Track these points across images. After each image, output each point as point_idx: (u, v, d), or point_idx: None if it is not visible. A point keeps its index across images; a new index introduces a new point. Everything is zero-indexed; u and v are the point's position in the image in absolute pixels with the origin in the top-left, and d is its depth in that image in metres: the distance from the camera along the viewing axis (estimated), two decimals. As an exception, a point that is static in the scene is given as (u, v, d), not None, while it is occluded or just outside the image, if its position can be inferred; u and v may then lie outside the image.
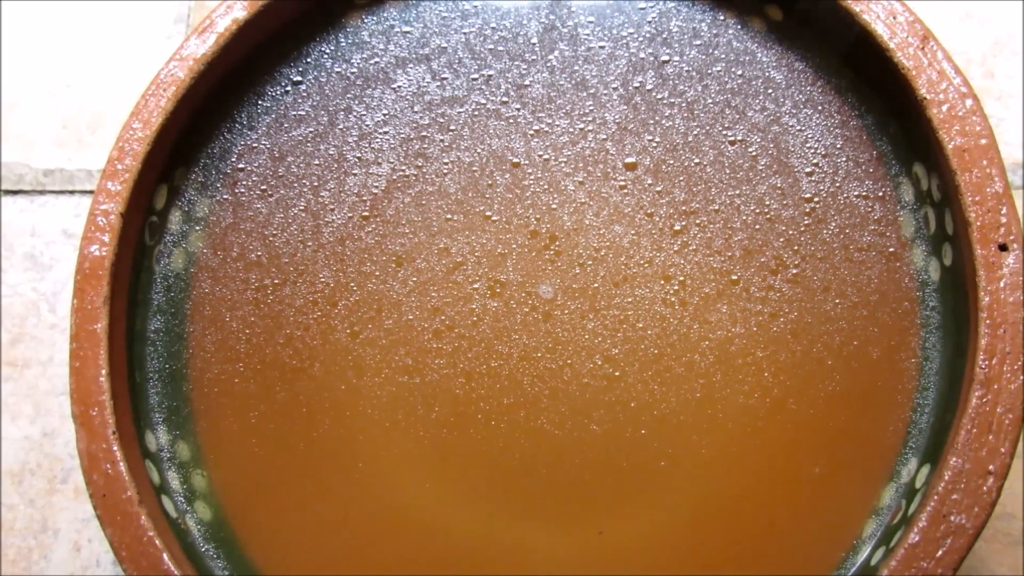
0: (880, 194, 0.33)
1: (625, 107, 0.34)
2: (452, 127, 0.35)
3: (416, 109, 0.35)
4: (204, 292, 0.34)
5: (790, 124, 0.34)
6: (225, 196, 0.35)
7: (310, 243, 0.34)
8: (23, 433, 0.41)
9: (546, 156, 0.34)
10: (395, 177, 0.35)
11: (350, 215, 0.34)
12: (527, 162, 0.34)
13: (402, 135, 0.35)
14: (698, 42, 0.34)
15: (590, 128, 0.34)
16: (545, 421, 0.33)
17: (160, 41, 0.45)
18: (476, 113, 0.35)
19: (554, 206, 0.34)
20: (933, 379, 0.31)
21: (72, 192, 0.44)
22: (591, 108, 0.34)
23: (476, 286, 0.34)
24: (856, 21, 0.32)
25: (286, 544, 0.32)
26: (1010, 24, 0.42)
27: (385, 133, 0.35)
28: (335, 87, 0.35)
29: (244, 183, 0.35)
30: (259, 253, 0.34)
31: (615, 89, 0.34)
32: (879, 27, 0.31)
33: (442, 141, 0.35)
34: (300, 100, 0.35)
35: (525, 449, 0.33)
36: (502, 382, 0.33)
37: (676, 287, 0.33)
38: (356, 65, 0.35)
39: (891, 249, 0.32)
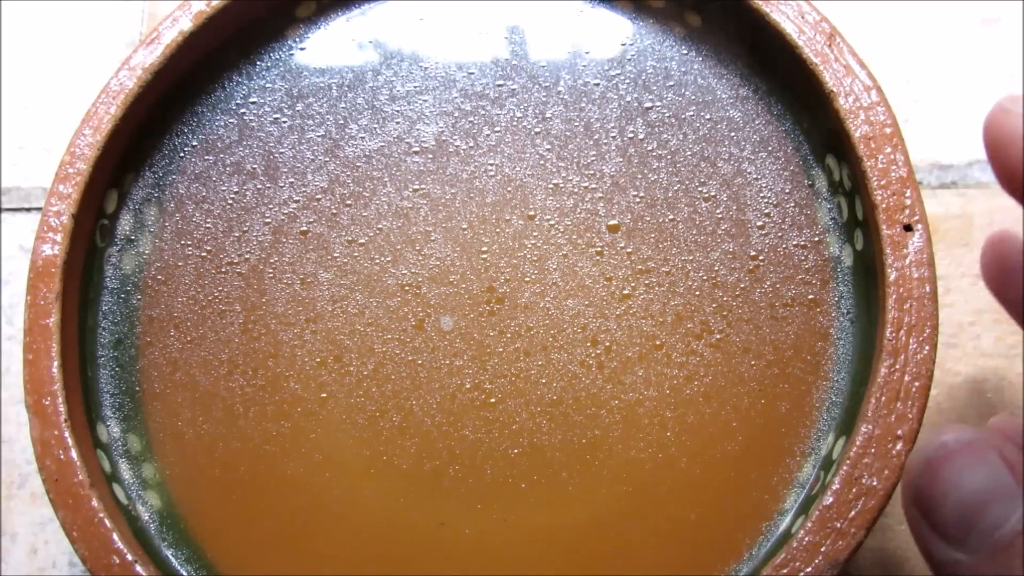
0: (816, 240, 0.34)
1: (621, 159, 0.35)
2: (497, 127, 0.35)
3: (453, 93, 0.35)
4: (157, 291, 0.35)
5: (749, 172, 0.35)
6: (231, 121, 0.35)
7: (321, 156, 0.35)
8: (-19, 441, 0.42)
9: (552, 221, 0.34)
10: (444, 139, 0.35)
11: (381, 144, 0.35)
12: (539, 221, 0.34)
13: (444, 109, 0.35)
14: (671, 83, 0.36)
15: (592, 185, 0.35)
16: (415, 406, 0.33)
17: (113, 64, 0.46)
18: (515, 126, 0.35)
19: (527, 279, 0.34)
20: (845, 367, 0.33)
21: (29, 209, 0.45)
22: (594, 159, 0.35)
23: (403, 271, 0.34)
24: (767, 22, 0.34)
25: (227, 521, 0.33)
26: (928, 31, 0.44)
27: (424, 101, 0.35)
28: (354, 52, 0.36)
29: (255, 112, 0.36)
30: (255, 164, 0.35)
31: (613, 138, 0.35)
32: (788, 26, 0.33)
33: (488, 137, 0.35)
34: (315, 57, 0.36)
35: (395, 423, 0.33)
36: (357, 342, 0.34)
37: (600, 351, 0.34)
38: (372, 37, 0.36)
39: (811, 296, 0.34)
